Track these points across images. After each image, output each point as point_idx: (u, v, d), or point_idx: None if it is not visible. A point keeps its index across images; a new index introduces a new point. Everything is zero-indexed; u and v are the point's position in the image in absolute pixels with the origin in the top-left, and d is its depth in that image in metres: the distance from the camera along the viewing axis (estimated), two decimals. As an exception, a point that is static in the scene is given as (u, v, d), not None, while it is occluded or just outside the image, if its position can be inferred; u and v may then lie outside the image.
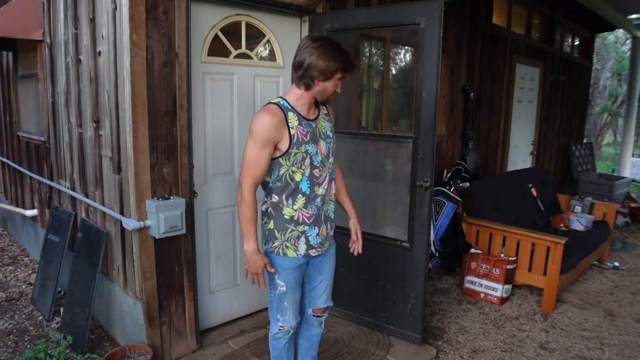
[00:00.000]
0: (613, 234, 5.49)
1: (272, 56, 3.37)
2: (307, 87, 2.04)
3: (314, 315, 2.39)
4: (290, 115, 2.02)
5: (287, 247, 2.13)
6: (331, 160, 2.18)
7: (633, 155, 9.91)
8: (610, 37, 16.44)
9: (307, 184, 2.08)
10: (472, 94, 4.78)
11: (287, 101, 2.06)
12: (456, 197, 4.13)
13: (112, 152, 2.83)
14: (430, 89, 2.87)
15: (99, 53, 2.85)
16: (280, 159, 2.04)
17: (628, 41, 10.73)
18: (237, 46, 3.12)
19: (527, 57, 6.29)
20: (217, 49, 3.01)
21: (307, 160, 2.05)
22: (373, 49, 4.34)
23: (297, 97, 2.07)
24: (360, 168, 3.36)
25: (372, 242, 3.21)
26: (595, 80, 16.33)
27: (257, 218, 2.08)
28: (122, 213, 2.83)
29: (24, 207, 4.80)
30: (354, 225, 2.45)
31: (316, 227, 2.14)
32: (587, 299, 4.18)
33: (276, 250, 2.14)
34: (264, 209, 2.17)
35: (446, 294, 4.10)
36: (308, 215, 2.12)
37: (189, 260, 2.93)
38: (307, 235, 2.13)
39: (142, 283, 2.75)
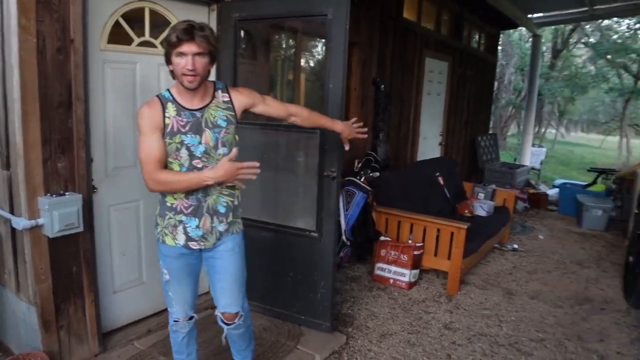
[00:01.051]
0: (513, 218, 5.89)
1: None
2: (173, 74, 2.02)
3: (221, 321, 2.34)
4: (169, 105, 2.02)
5: (165, 234, 2.14)
6: (221, 151, 2.09)
7: (533, 145, 10.65)
8: (515, 34, 17.52)
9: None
10: (382, 86, 4.91)
11: (170, 92, 2.06)
12: (366, 186, 4.24)
13: (1, 147, 2.62)
14: (337, 81, 2.91)
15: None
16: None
17: (531, 39, 11.47)
18: (141, 34, 2.99)
19: (437, 52, 6.55)
20: (118, 37, 2.87)
21: (184, 151, 2.03)
22: (286, 40, 4.34)
23: (176, 87, 2.06)
24: (271, 160, 3.35)
25: (282, 233, 3.23)
26: (501, 75, 17.37)
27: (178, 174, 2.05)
28: (12, 212, 2.63)
29: None
30: (340, 132, 2.56)
31: (196, 219, 2.11)
32: (488, 279, 4.46)
33: (157, 236, 2.18)
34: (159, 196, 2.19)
35: (357, 282, 4.21)
36: (187, 206, 2.09)
37: (88, 259, 2.78)
38: (185, 225, 2.11)
39: (35, 286, 2.58)
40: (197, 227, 2.11)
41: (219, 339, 2.43)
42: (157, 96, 2.05)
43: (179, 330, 2.30)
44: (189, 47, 1.89)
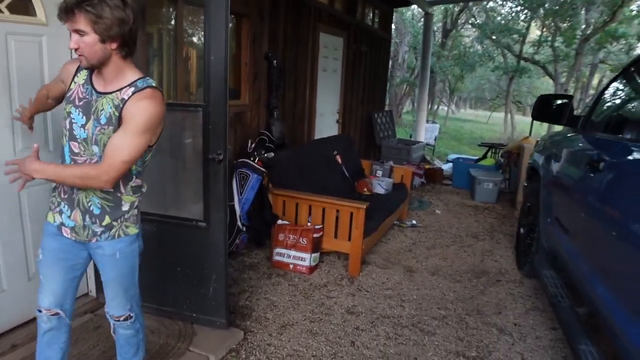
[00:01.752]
0: (411, 194, 5.93)
1: (29, 9, 2.73)
2: None
3: (109, 316, 2.12)
4: (83, 72, 1.84)
5: (50, 209, 1.95)
6: (94, 149, 1.81)
7: (427, 122, 10.97)
8: (408, 13, 17.99)
9: (68, 154, 1.84)
10: (275, 61, 4.64)
11: None
12: (261, 168, 3.97)
13: None
14: (220, 52, 2.59)
15: None
16: None
17: (422, 18, 11.73)
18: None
19: (331, 27, 6.37)
20: None
21: (67, 124, 1.82)
22: (164, 10, 3.90)
23: None
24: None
25: (166, 224, 2.88)
26: (395, 54, 17.79)
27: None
28: None
29: None
30: None
31: (68, 208, 1.89)
32: (389, 258, 4.42)
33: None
34: None
35: (255, 269, 3.97)
36: (64, 190, 1.88)
37: None
38: (61, 209, 1.90)
39: None
40: (70, 217, 1.89)
41: (98, 349, 2.11)
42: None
43: (40, 322, 2.02)
44: (69, 23, 1.65)
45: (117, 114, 1.75)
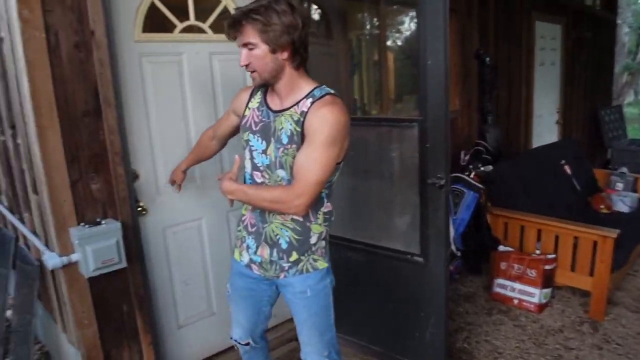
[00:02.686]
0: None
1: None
2: None
3: None
4: (257, 95, 1.75)
5: (235, 245, 1.90)
6: (280, 173, 1.65)
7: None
8: (628, -12, 15.35)
9: (250, 183, 1.75)
10: (487, 59, 4.03)
11: None
12: (477, 184, 3.42)
13: (28, 167, 2.19)
14: (438, 54, 2.16)
15: (1, 39, 2.18)
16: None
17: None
18: (185, 18, 2.42)
19: (547, 13, 5.48)
20: (157, 23, 2.32)
21: (247, 153, 1.73)
22: (366, 14, 3.60)
23: None
24: (355, 161, 2.65)
25: (376, 255, 2.55)
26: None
27: None
28: (46, 244, 2.19)
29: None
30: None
31: (254, 242, 1.78)
32: (641, 296, 3.47)
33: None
34: None
35: (472, 301, 3.42)
36: (251, 223, 1.78)
37: (141, 296, 2.29)
38: (248, 244, 1.81)
39: (78, 331, 2.12)
40: (256, 253, 1.79)
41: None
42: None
43: (242, 354, 2.09)
44: (238, 38, 1.57)
45: (298, 129, 1.59)
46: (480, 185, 3.42)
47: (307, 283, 1.76)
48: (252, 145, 1.69)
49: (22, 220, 2.61)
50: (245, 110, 1.75)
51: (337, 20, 3.26)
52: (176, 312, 2.59)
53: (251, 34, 1.51)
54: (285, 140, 1.60)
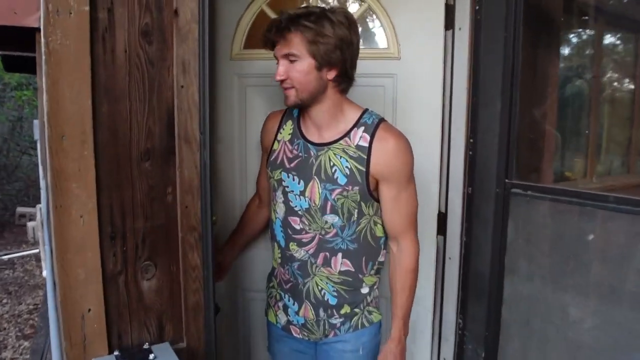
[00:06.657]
0: None
1: (374, 40, 1.79)
2: None
3: None
4: (288, 124, 1.45)
5: (268, 305, 1.58)
6: (331, 219, 1.36)
7: None
8: None
9: (281, 230, 1.43)
10: None
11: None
12: None
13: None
14: None
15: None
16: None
17: None
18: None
19: None
20: (257, 37, 1.63)
21: (280, 195, 1.42)
22: (597, 22, 2.41)
23: None
24: (582, 275, 1.54)
25: None
26: None
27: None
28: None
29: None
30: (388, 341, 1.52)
31: (294, 301, 1.46)
32: None
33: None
34: None
35: None
36: (285, 279, 1.47)
37: None
38: (285, 303, 1.49)
39: None
40: (297, 313, 1.47)
41: None
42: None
43: None
44: (278, 47, 1.30)
45: (362, 168, 1.35)
46: None
47: (362, 340, 1.50)
48: (287, 186, 1.42)
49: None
50: (273, 144, 1.48)
51: (551, 26, 2.19)
52: None
53: (297, 44, 1.27)
54: (342, 180, 1.36)
